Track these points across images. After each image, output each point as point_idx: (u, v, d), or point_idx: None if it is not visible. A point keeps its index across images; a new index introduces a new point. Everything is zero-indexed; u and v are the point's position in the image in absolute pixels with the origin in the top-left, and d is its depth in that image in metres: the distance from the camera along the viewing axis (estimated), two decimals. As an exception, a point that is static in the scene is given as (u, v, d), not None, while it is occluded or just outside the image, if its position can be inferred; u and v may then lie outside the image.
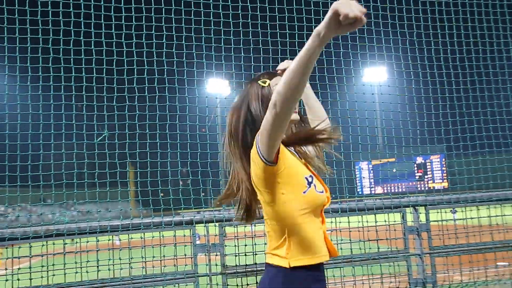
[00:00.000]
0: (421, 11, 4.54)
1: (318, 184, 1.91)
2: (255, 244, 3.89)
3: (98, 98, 3.75)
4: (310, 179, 1.90)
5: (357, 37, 4.42)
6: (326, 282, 1.95)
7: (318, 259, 1.89)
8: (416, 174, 44.20)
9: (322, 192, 1.90)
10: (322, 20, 1.48)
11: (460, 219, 4.24)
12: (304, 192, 1.85)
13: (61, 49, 3.66)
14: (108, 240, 3.69)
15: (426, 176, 44.10)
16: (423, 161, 43.98)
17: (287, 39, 4.26)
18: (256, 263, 3.85)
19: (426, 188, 42.12)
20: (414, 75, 4.51)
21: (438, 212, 4.20)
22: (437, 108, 4.52)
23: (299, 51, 1.51)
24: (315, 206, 1.88)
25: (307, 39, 1.51)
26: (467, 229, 4.18)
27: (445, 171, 42.75)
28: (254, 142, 1.84)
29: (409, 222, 4.14)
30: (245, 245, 3.87)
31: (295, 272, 1.83)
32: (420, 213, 4.17)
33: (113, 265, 3.67)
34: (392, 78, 4.71)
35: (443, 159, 42.18)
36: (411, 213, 4.15)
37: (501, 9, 4.69)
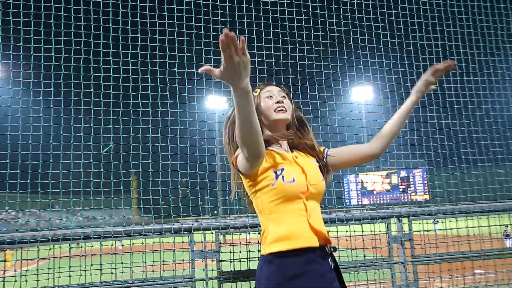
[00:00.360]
0: (403, 31, 4.90)
1: (289, 174, 2.01)
2: (249, 251, 4.12)
3: (105, 112, 4.01)
4: (279, 172, 2.02)
5: (345, 60, 4.77)
6: (320, 267, 1.97)
7: (295, 244, 1.95)
8: (400, 187, 45.58)
9: (292, 181, 2.00)
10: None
11: (441, 229, 4.52)
12: (272, 185, 2.00)
13: (72, 67, 3.94)
14: (111, 245, 3.89)
15: (409, 189, 45.56)
16: (406, 175, 45.47)
17: (281, 60, 4.57)
18: (249, 269, 4.07)
19: (409, 200, 43.47)
20: (398, 95, 4.84)
21: (420, 223, 4.48)
22: (419, 125, 4.84)
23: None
24: (287, 195, 2.00)
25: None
26: (446, 239, 4.45)
27: (426, 185, 44.01)
28: (234, 155, 2.09)
29: (393, 232, 4.37)
30: (240, 252, 4.10)
31: (269, 258, 1.97)
32: (403, 223, 4.42)
33: (116, 268, 3.85)
34: (378, 97, 5.04)
35: (425, 173, 43.45)
36: (395, 223, 4.40)
37: (481, 30, 5.07)
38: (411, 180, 46.06)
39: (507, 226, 4.78)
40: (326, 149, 2.35)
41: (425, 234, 4.42)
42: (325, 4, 4.67)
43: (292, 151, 2.23)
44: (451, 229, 4.52)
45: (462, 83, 4.90)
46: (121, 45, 4.12)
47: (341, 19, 4.76)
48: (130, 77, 4.13)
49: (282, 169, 2.04)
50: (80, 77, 3.98)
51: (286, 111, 2.21)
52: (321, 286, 1.93)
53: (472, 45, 4.92)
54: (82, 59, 3.98)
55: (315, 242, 1.99)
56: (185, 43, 4.26)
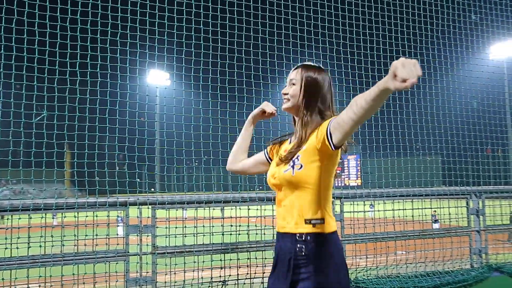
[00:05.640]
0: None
1: (270, 169, 2.41)
2: (185, 227, 4.15)
3: (39, 79, 3.79)
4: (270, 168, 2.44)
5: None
6: (277, 248, 2.31)
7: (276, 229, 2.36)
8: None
9: (266, 176, 2.40)
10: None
11: (369, 211, 4.80)
12: None
13: (2, 27, 3.67)
14: (41, 217, 3.72)
15: (343, 174, 47.85)
16: (341, 160, 48.08)
17: (227, 38, 4.54)
18: (185, 245, 4.10)
19: (343, 185, 45.62)
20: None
21: (351, 204, 4.72)
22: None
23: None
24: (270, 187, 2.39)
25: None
26: (374, 221, 4.76)
27: (359, 170, 46.34)
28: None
29: (326, 212, 4.58)
30: (176, 227, 4.12)
31: None
32: (336, 204, 4.65)
33: (45, 242, 3.73)
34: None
35: (359, 160, 45.64)
36: (328, 204, 4.60)
37: (419, 24, 5.32)
38: (345, 165, 48.23)
39: (435, 211, 5.17)
40: (330, 124, 2.11)
41: (355, 216, 4.67)
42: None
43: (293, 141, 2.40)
44: (378, 211, 4.81)
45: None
46: (60, 9, 3.88)
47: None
48: (68, 44, 3.91)
49: (271, 166, 2.43)
50: (12, 39, 3.72)
51: (286, 101, 2.36)
52: (276, 264, 2.29)
53: (409, 38, 5.16)
54: (14, 20, 3.71)
55: (278, 229, 2.32)
56: (129, 12, 4.10)
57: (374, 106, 1.79)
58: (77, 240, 3.84)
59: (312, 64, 2.40)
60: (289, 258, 2.19)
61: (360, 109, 1.84)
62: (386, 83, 1.64)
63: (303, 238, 2.18)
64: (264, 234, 4.26)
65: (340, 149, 2.16)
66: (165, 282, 3.95)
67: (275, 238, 2.48)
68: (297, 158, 2.20)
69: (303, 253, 2.17)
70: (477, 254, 5.10)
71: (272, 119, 3.05)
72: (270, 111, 2.63)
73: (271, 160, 2.56)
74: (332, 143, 2.07)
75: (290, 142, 2.43)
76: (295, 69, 2.40)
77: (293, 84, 2.34)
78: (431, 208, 4.98)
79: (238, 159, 2.73)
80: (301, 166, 2.18)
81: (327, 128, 2.09)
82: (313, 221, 2.19)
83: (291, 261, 2.19)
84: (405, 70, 1.55)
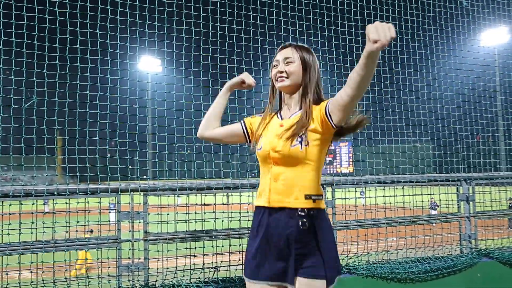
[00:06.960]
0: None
1: (260, 142, 2.38)
2: (177, 214, 4.15)
3: (28, 64, 3.74)
4: (259, 140, 2.41)
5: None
6: (264, 224, 2.29)
7: (258, 202, 2.35)
8: (327, 159, 48.90)
9: (260, 148, 2.35)
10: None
11: (360, 197, 4.83)
12: (257, 150, 2.39)
13: (-10, 11, 3.62)
14: (32, 204, 3.71)
15: (335, 161, 48.40)
16: (333, 147, 48.62)
17: (218, 23, 4.50)
18: (177, 231, 4.10)
19: (334, 172, 46.23)
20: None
21: (342, 191, 4.75)
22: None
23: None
24: (260, 159, 2.37)
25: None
26: (365, 207, 4.79)
27: (351, 158, 46.86)
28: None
29: (317, 199, 4.59)
30: (168, 214, 4.11)
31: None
32: (327, 191, 4.67)
33: (36, 228, 3.71)
34: None
35: (351, 147, 46.16)
36: (320, 191, 4.62)
37: (410, 11, 5.31)
38: (337, 152, 48.76)
39: (433, 198, 5.24)
40: (328, 105, 2.22)
41: (346, 203, 4.69)
42: None
43: (290, 116, 2.40)
44: (369, 197, 4.84)
45: (390, 60, 5.15)
46: (48, -8, 3.82)
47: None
48: (57, 29, 3.86)
49: (261, 138, 2.42)
50: (0, 23, 3.66)
51: (285, 79, 2.36)
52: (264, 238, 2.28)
53: (401, 24, 5.15)
54: (2, 4, 3.66)
55: (264, 203, 2.30)
56: (119, -3, 4.05)
57: (366, 74, 1.92)
58: (69, 226, 3.82)
59: (302, 44, 2.43)
60: (288, 232, 2.21)
61: (355, 82, 1.97)
62: (366, 48, 1.80)
63: (305, 212, 2.21)
64: (256, 220, 4.27)
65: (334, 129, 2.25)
66: (157, 269, 3.96)
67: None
68: (304, 134, 2.25)
69: (307, 227, 2.20)
70: (467, 240, 5.16)
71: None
72: (248, 83, 2.67)
73: (248, 133, 2.59)
74: (333, 122, 2.18)
75: (281, 118, 2.45)
76: (285, 47, 2.42)
77: (290, 62, 2.37)
78: (421, 195, 5.02)
79: (211, 126, 2.74)
80: (308, 143, 2.24)
81: (325, 109, 2.20)
82: (313, 196, 2.25)
83: (291, 235, 2.21)
84: (377, 32, 1.70)
